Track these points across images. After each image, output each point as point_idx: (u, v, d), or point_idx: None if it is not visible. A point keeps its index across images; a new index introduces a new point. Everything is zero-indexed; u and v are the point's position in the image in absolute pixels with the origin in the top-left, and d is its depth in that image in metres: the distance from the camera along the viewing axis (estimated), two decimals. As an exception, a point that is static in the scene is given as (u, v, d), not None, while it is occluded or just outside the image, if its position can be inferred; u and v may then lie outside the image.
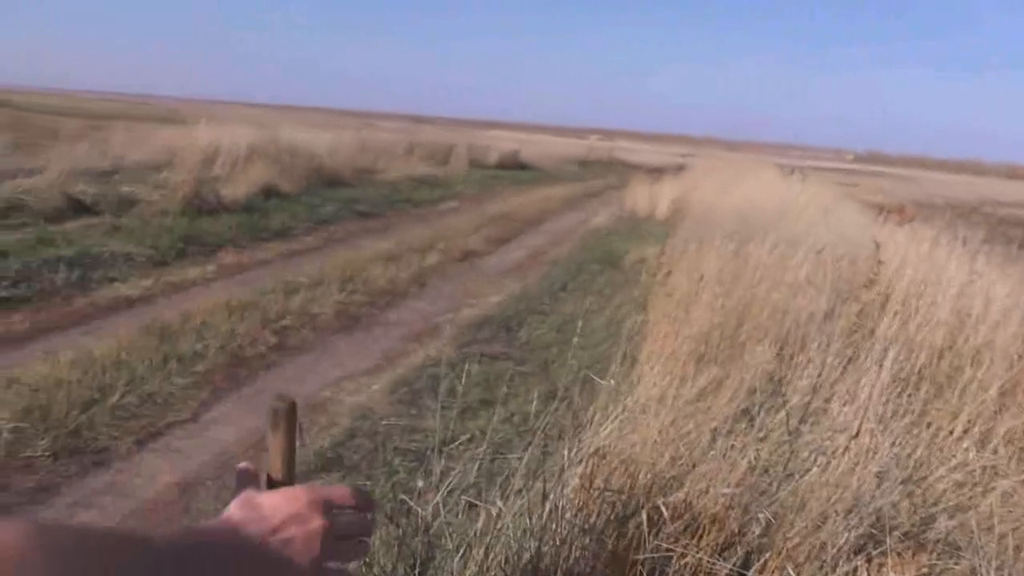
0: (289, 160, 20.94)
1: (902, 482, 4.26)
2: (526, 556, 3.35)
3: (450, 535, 3.59)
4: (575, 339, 6.34)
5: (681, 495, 3.61)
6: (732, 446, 4.37)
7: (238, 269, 11.90)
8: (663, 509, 3.41)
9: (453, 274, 13.15)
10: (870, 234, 11.32)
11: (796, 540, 3.59)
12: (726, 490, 3.59)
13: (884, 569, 3.56)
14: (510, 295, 11.76)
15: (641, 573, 3.29)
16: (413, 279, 12.24)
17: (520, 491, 3.69)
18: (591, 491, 3.67)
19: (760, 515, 3.59)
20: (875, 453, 4.35)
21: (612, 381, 5.71)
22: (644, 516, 3.38)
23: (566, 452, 3.99)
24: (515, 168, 41.41)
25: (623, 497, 3.60)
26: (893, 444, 4.63)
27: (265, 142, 21.85)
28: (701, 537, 3.48)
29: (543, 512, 3.43)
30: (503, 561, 3.36)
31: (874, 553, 3.64)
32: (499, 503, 3.60)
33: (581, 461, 3.91)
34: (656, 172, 38.11)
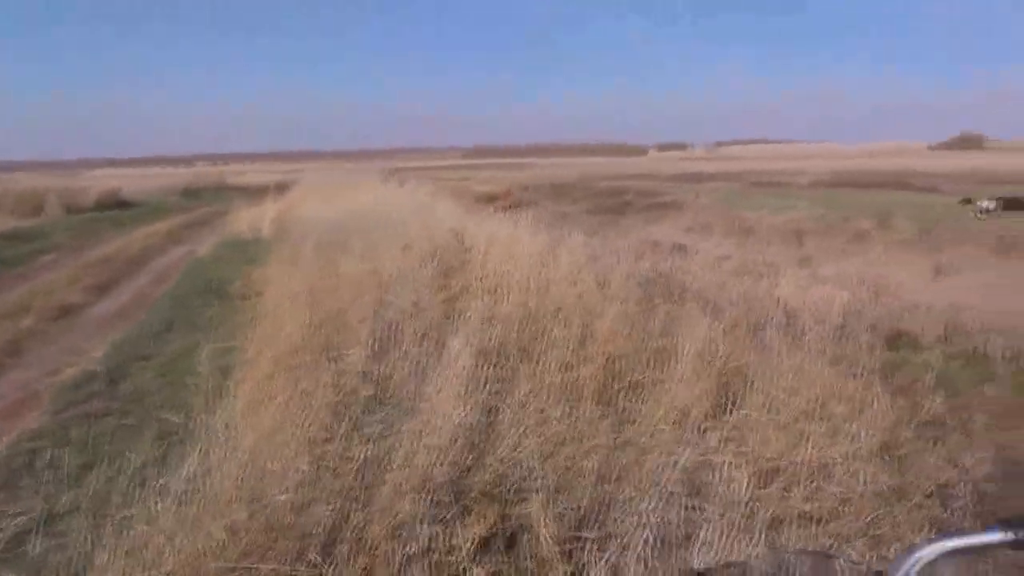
0: None
1: (477, 444, 4.47)
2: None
3: None
4: (176, 380, 6.13)
5: (256, 511, 3.59)
6: (323, 451, 4.40)
7: None
8: (218, 533, 3.38)
9: (53, 333, 12.32)
10: (461, 225, 11.74)
11: (374, 525, 3.66)
12: (281, 496, 3.60)
13: (461, 528, 3.70)
14: (113, 345, 11.16)
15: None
16: (6, 348, 11.35)
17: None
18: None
19: (323, 509, 3.63)
20: (452, 424, 4.53)
21: (203, 416, 5.61)
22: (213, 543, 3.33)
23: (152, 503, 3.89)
24: (116, 207, 39.45)
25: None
26: (473, 412, 4.84)
27: None
28: (270, 547, 3.46)
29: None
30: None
31: (449, 515, 3.77)
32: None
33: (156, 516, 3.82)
34: (263, 193, 37.56)
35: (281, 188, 39.59)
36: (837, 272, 16.95)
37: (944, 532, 1.38)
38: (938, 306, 12.98)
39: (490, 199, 29.50)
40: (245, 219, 24.36)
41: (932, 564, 1.28)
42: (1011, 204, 37.90)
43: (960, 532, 1.33)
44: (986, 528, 1.30)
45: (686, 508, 4.07)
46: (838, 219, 28.24)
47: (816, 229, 25.65)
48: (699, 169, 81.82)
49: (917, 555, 1.28)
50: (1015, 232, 24.63)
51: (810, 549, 3.68)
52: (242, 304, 12.31)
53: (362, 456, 4.42)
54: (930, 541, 1.31)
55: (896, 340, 11.06)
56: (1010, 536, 1.27)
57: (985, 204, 37.12)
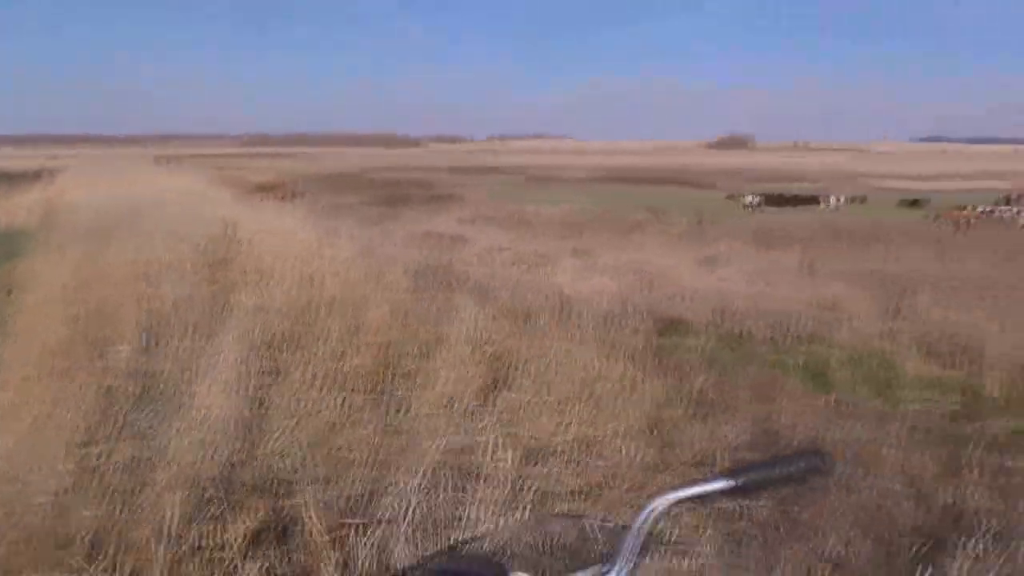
0: None
1: (245, 438, 4.44)
2: None
3: None
4: None
5: (13, 518, 3.46)
6: (87, 452, 4.28)
7: None
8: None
9: None
10: (234, 215, 11.51)
11: (141, 525, 3.59)
12: (40, 500, 3.49)
13: (231, 524, 3.67)
14: None
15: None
16: None
17: None
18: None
19: (86, 513, 3.54)
20: (219, 420, 4.48)
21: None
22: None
23: None
24: None
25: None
26: (242, 405, 4.80)
27: None
28: (28, 555, 3.35)
29: None
30: None
31: (218, 511, 3.74)
32: None
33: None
34: (25, 179, 35.23)
35: (47, 174, 37.27)
36: (612, 262, 17.46)
37: (677, 484, 1.53)
38: (708, 293, 13.61)
39: (266, 189, 28.86)
40: (5, 208, 22.90)
41: (669, 512, 1.43)
42: (772, 200, 40.68)
43: (689, 483, 1.48)
44: (710, 478, 1.46)
45: (455, 489, 4.16)
46: (614, 212, 29.20)
47: (593, 221, 26.40)
48: (477, 162, 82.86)
49: (653, 505, 1.42)
50: (774, 226, 26.19)
51: (565, 513, 3.84)
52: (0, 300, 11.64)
53: (129, 455, 4.31)
54: (664, 492, 1.45)
55: (668, 325, 11.55)
56: (730, 483, 1.45)
57: (750, 199, 39.57)
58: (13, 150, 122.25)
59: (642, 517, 1.42)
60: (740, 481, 1.47)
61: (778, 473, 1.51)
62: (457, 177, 54.90)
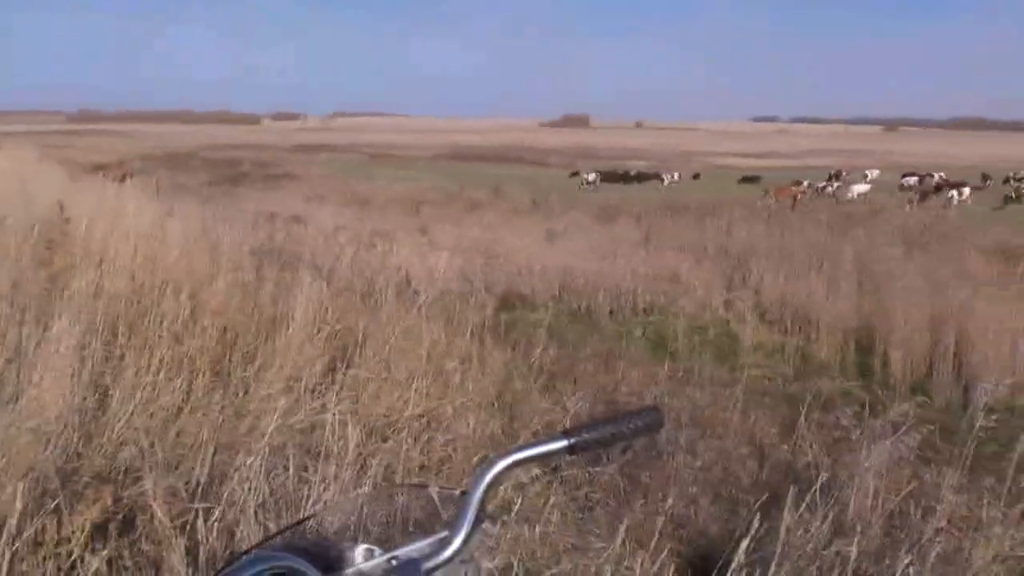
0: None
1: (88, 425, 4.33)
2: None
3: None
4: None
5: None
6: None
7: None
8: None
9: None
10: (66, 195, 11.09)
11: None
12: None
13: (71, 517, 3.58)
14: None
15: None
16: None
17: None
18: None
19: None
20: (59, 407, 4.36)
21: None
22: None
23: None
24: None
25: None
26: (79, 393, 4.67)
27: None
28: None
29: None
30: None
31: (59, 503, 3.64)
32: None
33: None
34: None
35: None
36: (454, 239, 17.58)
37: (515, 445, 1.56)
38: (550, 268, 13.85)
39: (99, 168, 27.87)
40: None
41: (509, 472, 1.46)
42: (608, 177, 41.48)
43: (525, 444, 1.51)
44: (549, 437, 1.51)
45: (300, 468, 4.16)
46: (455, 190, 29.31)
47: (433, 199, 26.48)
48: (316, 140, 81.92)
49: (490, 469, 1.44)
50: (612, 202, 26.74)
51: (409, 483, 3.88)
52: None
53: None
54: (501, 455, 1.47)
55: (512, 301, 11.73)
56: (566, 442, 1.48)
57: (590, 176, 40.30)
58: None
59: (479, 481, 1.44)
60: (575, 440, 1.49)
61: (614, 430, 1.54)
62: (295, 155, 54.20)
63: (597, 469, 5.25)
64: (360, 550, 1.43)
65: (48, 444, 4.06)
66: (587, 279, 12.86)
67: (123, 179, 18.41)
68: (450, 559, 1.39)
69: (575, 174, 42.52)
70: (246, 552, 1.41)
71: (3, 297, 6.65)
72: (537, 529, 4.02)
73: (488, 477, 1.44)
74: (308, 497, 3.90)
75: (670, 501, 4.62)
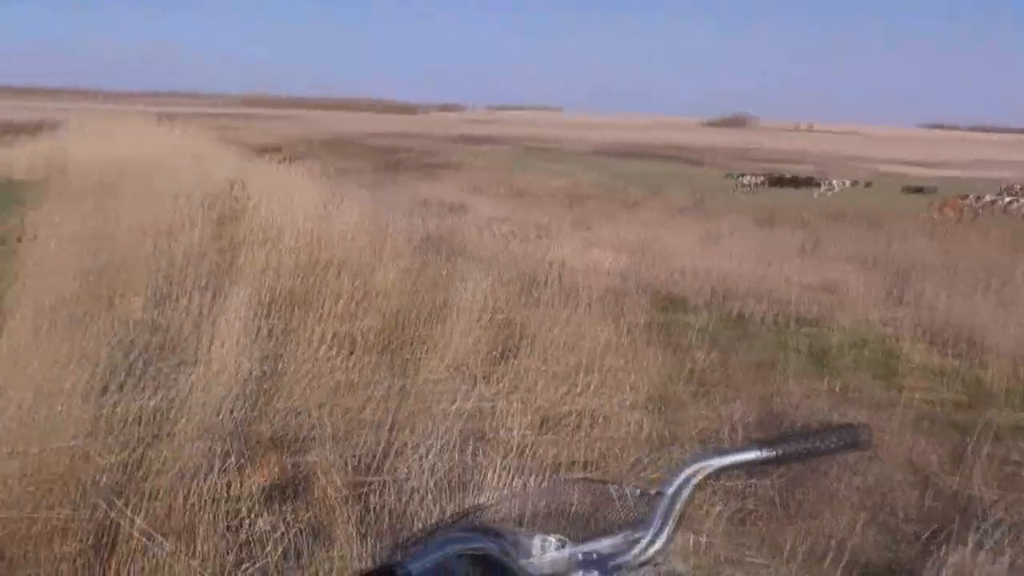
0: None
1: (263, 394, 4.47)
2: None
3: None
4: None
5: (31, 460, 3.49)
6: (104, 401, 4.31)
7: None
8: (9, 479, 3.28)
9: None
10: (240, 174, 11.49)
11: (158, 474, 3.63)
12: (74, 443, 3.52)
13: (248, 477, 3.71)
14: None
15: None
16: None
17: None
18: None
19: (113, 459, 3.57)
20: (236, 374, 4.51)
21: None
22: None
23: None
24: None
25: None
26: (256, 361, 4.83)
27: None
28: (52, 496, 3.39)
29: None
30: None
31: (237, 464, 3.78)
32: None
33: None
34: (24, 131, 34.77)
35: (48, 127, 36.79)
36: (612, 236, 17.44)
37: (706, 453, 1.51)
38: (706, 270, 13.62)
39: (266, 150, 28.73)
40: (4, 159, 22.74)
41: (703, 476, 1.43)
42: (772, 181, 40.47)
43: (725, 450, 1.46)
44: (746, 447, 1.46)
45: (467, 452, 4.21)
46: (612, 186, 29.14)
47: (592, 194, 26.34)
48: (475, 132, 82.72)
49: (688, 471, 1.41)
50: (770, 206, 26.14)
51: (583, 477, 3.86)
52: (9, 248, 11.62)
53: (145, 406, 4.35)
54: (698, 457, 1.43)
55: (668, 302, 11.60)
56: (769, 453, 1.45)
57: (750, 179, 39.39)
58: (13, 101, 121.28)
59: (677, 482, 1.41)
60: (779, 451, 1.46)
61: (816, 445, 1.49)
62: (456, 145, 54.75)
63: (753, 481, 5.14)
64: (542, 540, 1.40)
65: (227, 408, 4.21)
66: (742, 284, 12.61)
67: (288, 161, 18.97)
68: (647, 560, 1.37)
69: (731, 176, 41.67)
70: (434, 530, 1.41)
71: (183, 266, 6.95)
72: (697, 539, 3.96)
73: (688, 480, 1.41)
74: (476, 481, 3.94)
75: (836, 524, 4.48)
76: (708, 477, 1.42)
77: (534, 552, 1.39)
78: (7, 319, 6.91)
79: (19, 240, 10.97)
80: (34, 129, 33.84)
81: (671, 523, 1.38)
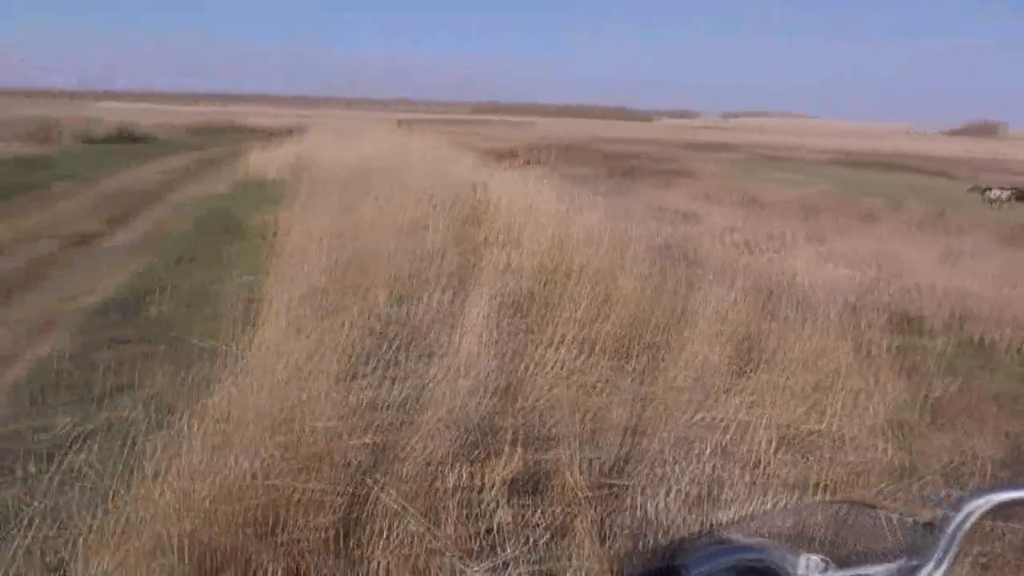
0: None
1: (505, 390, 4.62)
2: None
3: (88, 529, 3.51)
4: (200, 311, 6.19)
5: (288, 437, 3.72)
6: (349, 385, 4.54)
7: None
8: (273, 452, 3.51)
9: (72, 260, 12.38)
10: (479, 178, 11.82)
11: (407, 459, 3.81)
12: (332, 423, 3.74)
13: (491, 469, 3.85)
14: (133, 274, 11.26)
15: (255, 508, 3.40)
16: (26, 270, 11.46)
17: (157, 475, 3.69)
18: (201, 451, 3.70)
19: (366, 440, 3.77)
20: (479, 369, 4.68)
21: (235, 346, 5.74)
22: (257, 462, 3.47)
23: (184, 423, 4.03)
24: (130, 141, 39.31)
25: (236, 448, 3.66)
26: (497, 358, 4.98)
27: None
28: (317, 471, 3.61)
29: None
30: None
31: (480, 456, 3.92)
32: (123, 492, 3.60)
33: (197, 427, 3.95)
34: (275, 135, 36.95)
35: (293, 132, 38.91)
36: (848, 250, 16.94)
37: (990, 486, 1.44)
38: (945, 290, 13.04)
39: (501, 155, 29.41)
40: (260, 160, 24.20)
41: (988, 510, 1.37)
42: (1020, 195, 37.59)
43: (1006, 486, 1.39)
44: None
45: (709, 465, 4.21)
46: (849, 197, 28.22)
47: (826, 205, 25.59)
48: (708, 139, 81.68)
49: (974, 504, 1.35)
50: (1021, 223, 24.61)
51: (856, 500, 3.77)
52: (262, 242, 12.39)
53: (392, 394, 4.58)
54: (985, 490, 1.37)
55: (903, 321, 11.17)
56: None
57: (997, 193, 36.83)
58: (270, 108, 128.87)
59: (962, 514, 1.35)
60: None
61: None
62: (688, 152, 54.26)
63: (1000, 523, 4.87)
64: (807, 560, 1.38)
65: (473, 400, 4.37)
66: (984, 307, 11.99)
67: (524, 165, 19.36)
68: None
69: (977, 188, 39.25)
70: (707, 541, 1.41)
71: (428, 264, 7.23)
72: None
73: (971, 512, 1.35)
74: (711, 494, 3.93)
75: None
76: (985, 514, 1.37)
77: (799, 571, 1.37)
78: (267, 307, 7.39)
79: (275, 235, 11.70)
80: (286, 133, 35.84)
81: (950, 556, 1.34)
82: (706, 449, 4.30)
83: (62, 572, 3.56)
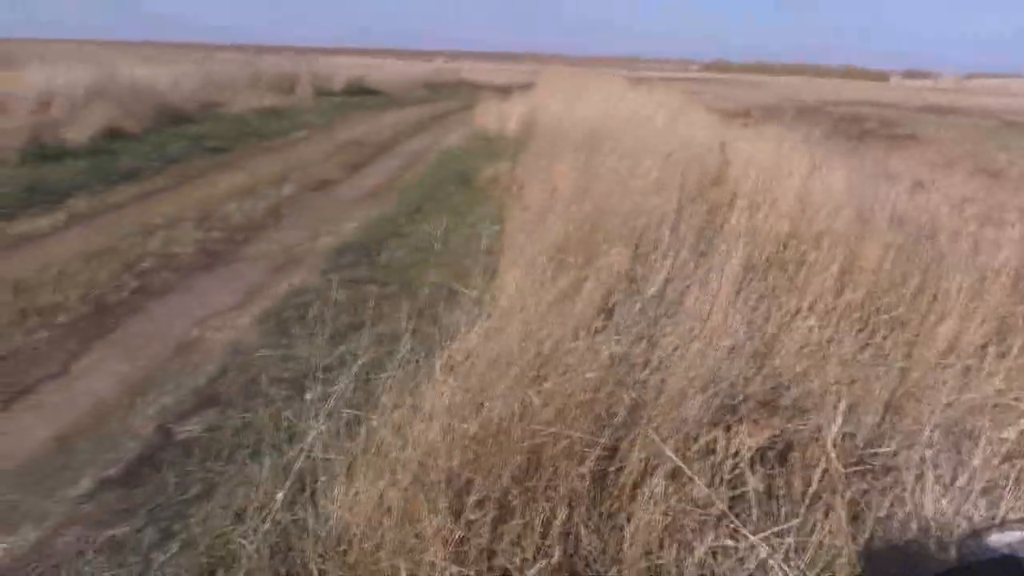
0: (131, 98, 20.25)
1: (753, 356, 4.59)
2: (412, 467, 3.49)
3: (335, 454, 3.73)
4: (434, 257, 6.38)
5: (549, 385, 3.82)
6: (595, 340, 4.61)
7: (91, 214, 11.52)
8: (534, 398, 3.62)
9: (309, 203, 13.03)
10: (716, 137, 11.67)
11: (659, 417, 3.86)
12: (590, 374, 3.81)
13: (740, 435, 3.85)
14: (368, 220, 11.74)
15: (516, 452, 3.51)
16: (269, 212, 12.14)
17: (397, 406, 3.86)
18: (458, 392, 3.83)
19: (624, 396, 3.83)
20: (727, 333, 4.66)
21: (475, 292, 5.93)
22: (516, 406, 3.59)
23: (436, 362, 4.18)
24: (362, 94, 40.81)
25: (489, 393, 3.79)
26: (745, 324, 4.95)
27: (103, 81, 21.15)
28: (573, 420, 3.70)
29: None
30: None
31: (731, 421, 3.93)
32: (374, 419, 3.77)
33: (451, 368, 4.09)
34: (503, 91, 37.33)
35: (522, 87, 39.29)
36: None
37: None
38: None
39: (734, 115, 28.87)
40: (490, 115, 24.57)
41: None
42: None
43: None
44: None
45: (961, 450, 4.08)
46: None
47: (1073, 177, 24.00)
48: (946, 101, 77.45)
49: None
50: None
51: None
52: (494, 195, 12.67)
53: (645, 351, 4.63)
54: None
55: None
56: None
57: None
58: (498, 64, 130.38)
59: None
60: None
61: None
62: (923, 116, 51.71)
63: None
64: None
65: (720, 365, 4.38)
66: None
67: (754, 126, 18.95)
68: None
69: None
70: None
71: (667, 223, 7.23)
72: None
73: None
74: (960, 480, 3.81)
75: None
76: None
77: None
78: (504, 257, 7.57)
79: (507, 189, 11.95)
80: (515, 89, 36.20)
81: None
82: (977, 435, 4.15)
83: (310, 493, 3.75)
